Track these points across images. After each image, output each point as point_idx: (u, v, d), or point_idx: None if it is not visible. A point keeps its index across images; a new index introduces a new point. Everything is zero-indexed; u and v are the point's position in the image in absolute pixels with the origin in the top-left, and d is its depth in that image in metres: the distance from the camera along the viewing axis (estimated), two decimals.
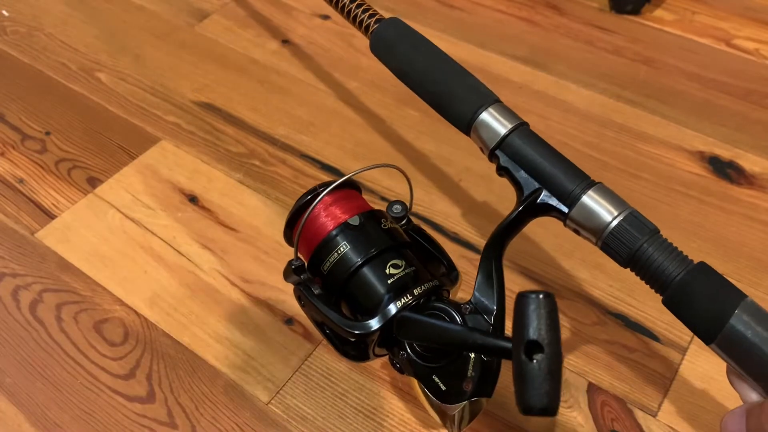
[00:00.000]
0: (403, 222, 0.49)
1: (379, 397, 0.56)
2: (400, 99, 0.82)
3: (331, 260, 0.45)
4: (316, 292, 0.46)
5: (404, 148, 0.77)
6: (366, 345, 0.45)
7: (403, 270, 0.45)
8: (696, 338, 0.59)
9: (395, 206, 0.49)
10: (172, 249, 0.67)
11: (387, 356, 0.46)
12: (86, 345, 0.60)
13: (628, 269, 0.42)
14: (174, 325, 0.61)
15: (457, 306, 0.44)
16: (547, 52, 0.89)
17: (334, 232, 0.46)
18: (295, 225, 0.48)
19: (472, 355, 0.42)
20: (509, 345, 0.33)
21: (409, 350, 0.44)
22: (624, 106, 0.82)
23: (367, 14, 0.58)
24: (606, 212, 0.42)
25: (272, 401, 0.56)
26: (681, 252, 0.41)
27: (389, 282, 0.44)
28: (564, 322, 0.61)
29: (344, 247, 0.45)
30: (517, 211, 0.45)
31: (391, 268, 0.45)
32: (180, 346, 0.59)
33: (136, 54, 0.90)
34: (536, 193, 0.45)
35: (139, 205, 0.71)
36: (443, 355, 0.43)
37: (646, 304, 0.62)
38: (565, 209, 0.44)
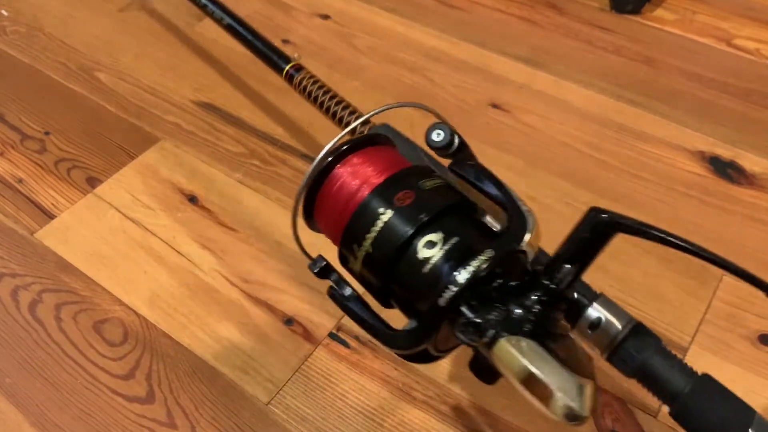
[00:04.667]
0: (452, 150, 0.39)
1: (379, 397, 0.56)
2: (400, 99, 0.82)
3: (366, 243, 0.37)
4: (348, 293, 0.40)
5: None
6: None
7: (443, 245, 0.36)
8: (696, 339, 0.59)
9: (436, 131, 0.39)
10: (171, 249, 0.67)
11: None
12: (86, 345, 0.59)
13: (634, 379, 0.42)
14: (174, 325, 0.61)
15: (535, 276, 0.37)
16: (548, 52, 0.89)
17: (365, 203, 0.38)
18: (314, 203, 0.40)
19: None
20: None
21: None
22: (624, 106, 0.82)
23: (360, 123, 0.57)
24: (610, 326, 0.41)
25: (272, 402, 0.56)
26: (685, 364, 0.41)
27: (429, 266, 0.36)
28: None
29: (381, 222, 0.37)
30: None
31: (424, 249, 0.36)
32: (179, 347, 0.59)
33: (136, 54, 0.89)
34: None
35: (139, 205, 0.71)
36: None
37: (647, 305, 0.62)
38: (568, 325, 0.43)
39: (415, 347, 0.37)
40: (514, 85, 0.85)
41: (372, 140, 0.43)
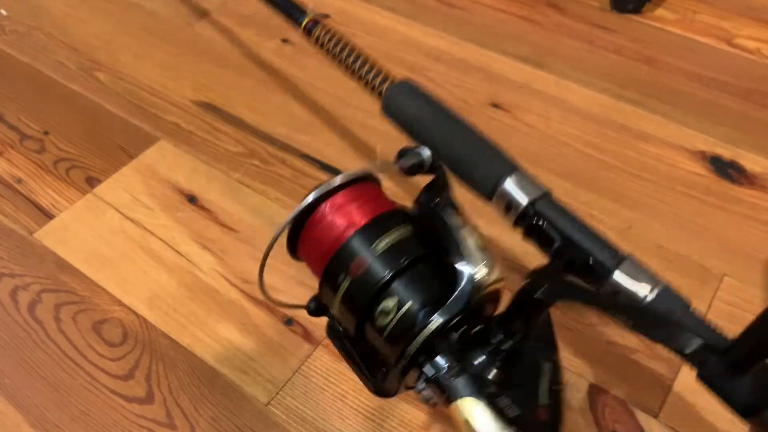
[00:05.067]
0: (423, 171, 0.40)
1: (379, 398, 0.56)
2: None
3: (334, 308, 0.41)
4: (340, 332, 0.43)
5: None
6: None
7: (396, 313, 0.39)
8: None
9: (405, 156, 0.39)
10: (171, 249, 0.67)
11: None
12: (85, 345, 0.59)
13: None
14: (173, 325, 0.61)
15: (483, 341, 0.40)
16: (548, 52, 0.89)
17: (330, 264, 0.40)
18: (299, 241, 0.43)
19: (542, 385, 0.41)
20: None
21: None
22: (625, 106, 0.81)
23: (379, 79, 0.58)
24: (637, 290, 0.41)
25: (272, 402, 0.56)
26: (714, 329, 0.40)
27: (386, 334, 0.39)
28: (564, 323, 0.61)
29: (341, 291, 0.40)
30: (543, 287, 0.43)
31: (380, 317, 0.39)
32: (179, 347, 0.59)
33: (136, 54, 0.89)
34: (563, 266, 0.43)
35: (138, 205, 0.71)
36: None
37: None
38: (593, 288, 0.43)
39: (386, 396, 0.42)
40: (515, 84, 0.85)
41: (350, 182, 0.43)
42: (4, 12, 0.96)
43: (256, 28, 0.94)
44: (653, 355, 0.58)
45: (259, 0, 0.70)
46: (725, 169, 0.74)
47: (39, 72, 0.87)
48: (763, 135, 0.78)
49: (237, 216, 0.69)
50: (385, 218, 0.42)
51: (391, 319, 0.39)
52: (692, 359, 0.40)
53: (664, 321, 0.40)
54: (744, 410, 0.38)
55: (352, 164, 0.74)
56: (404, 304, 0.39)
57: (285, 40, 0.91)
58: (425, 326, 0.38)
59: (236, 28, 0.93)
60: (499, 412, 0.38)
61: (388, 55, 0.89)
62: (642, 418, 0.54)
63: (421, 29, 0.92)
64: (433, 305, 0.39)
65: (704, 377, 0.39)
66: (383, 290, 0.40)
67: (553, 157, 0.75)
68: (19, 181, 0.73)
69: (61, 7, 0.97)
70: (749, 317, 0.63)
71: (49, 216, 0.70)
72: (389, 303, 0.39)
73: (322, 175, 0.73)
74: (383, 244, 0.40)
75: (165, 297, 0.63)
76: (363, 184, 0.43)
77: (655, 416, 0.55)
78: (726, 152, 0.76)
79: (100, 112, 0.81)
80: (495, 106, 0.81)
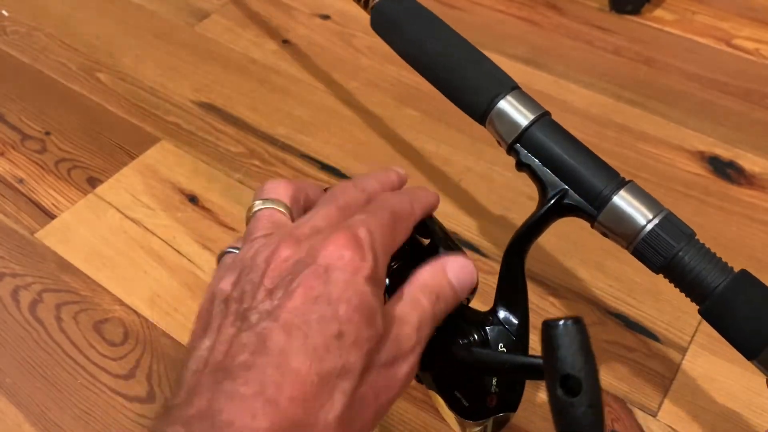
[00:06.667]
0: None
1: None
2: (400, 99, 0.82)
3: None
4: None
5: (404, 148, 0.77)
6: None
7: None
8: (696, 338, 0.59)
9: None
10: (172, 249, 0.67)
11: None
12: (86, 345, 0.60)
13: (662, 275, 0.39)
14: (174, 325, 0.61)
15: (479, 318, 0.41)
16: (547, 52, 0.89)
17: None
18: None
19: None
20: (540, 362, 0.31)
21: None
22: (624, 106, 0.82)
23: None
24: (638, 215, 0.39)
25: None
26: (720, 259, 0.38)
27: None
28: None
29: None
30: (540, 213, 0.41)
31: None
32: (180, 347, 0.59)
33: (136, 54, 0.90)
34: (561, 192, 0.41)
35: (139, 205, 0.71)
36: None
37: (646, 304, 0.62)
38: (594, 211, 0.40)
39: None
40: None
41: None
42: (5, 12, 0.97)
43: (256, 29, 0.94)
44: (652, 354, 0.58)
45: None
46: (724, 169, 0.74)
47: (40, 72, 0.87)
48: (762, 135, 0.78)
49: (238, 216, 0.70)
50: None
51: None
52: (692, 295, 0.38)
53: (661, 254, 0.37)
54: (746, 350, 0.35)
55: (352, 165, 0.75)
56: None
57: (285, 41, 0.91)
58: None
59: (237, 29, 0.93)
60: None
61: (388, 55, 0.89)
62: (641, 417, 0.55)
63: None
64: None
65: (705, 315, 0.37)
66: None
67: None
68: (21, 181, 0.74)
69: (62, 8, 0.97)
70: None
71: (51, 216, 0.70)
72: None
73: (322, 175, 0.74)
74: None
75: (166, 296, 0.63)
76: None
77: (654, 415, 0.55)
78: (725, 152, 0.76)
79: (101, 113, 0.82)
80: None
